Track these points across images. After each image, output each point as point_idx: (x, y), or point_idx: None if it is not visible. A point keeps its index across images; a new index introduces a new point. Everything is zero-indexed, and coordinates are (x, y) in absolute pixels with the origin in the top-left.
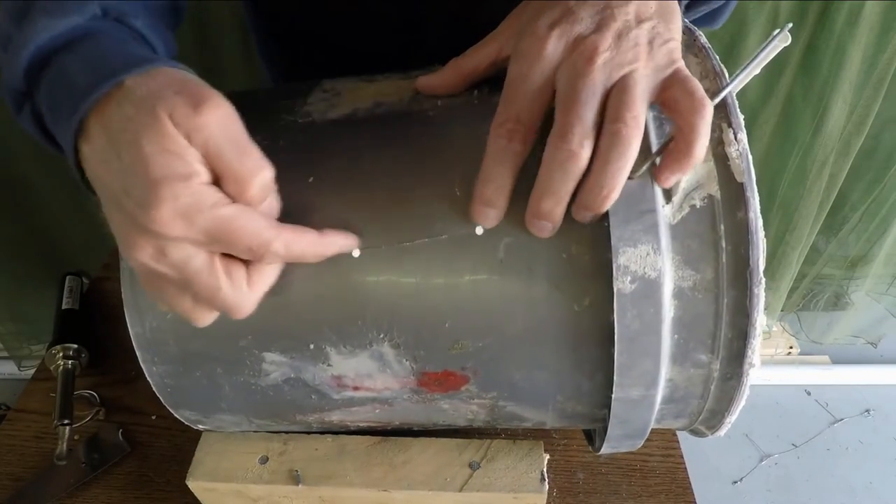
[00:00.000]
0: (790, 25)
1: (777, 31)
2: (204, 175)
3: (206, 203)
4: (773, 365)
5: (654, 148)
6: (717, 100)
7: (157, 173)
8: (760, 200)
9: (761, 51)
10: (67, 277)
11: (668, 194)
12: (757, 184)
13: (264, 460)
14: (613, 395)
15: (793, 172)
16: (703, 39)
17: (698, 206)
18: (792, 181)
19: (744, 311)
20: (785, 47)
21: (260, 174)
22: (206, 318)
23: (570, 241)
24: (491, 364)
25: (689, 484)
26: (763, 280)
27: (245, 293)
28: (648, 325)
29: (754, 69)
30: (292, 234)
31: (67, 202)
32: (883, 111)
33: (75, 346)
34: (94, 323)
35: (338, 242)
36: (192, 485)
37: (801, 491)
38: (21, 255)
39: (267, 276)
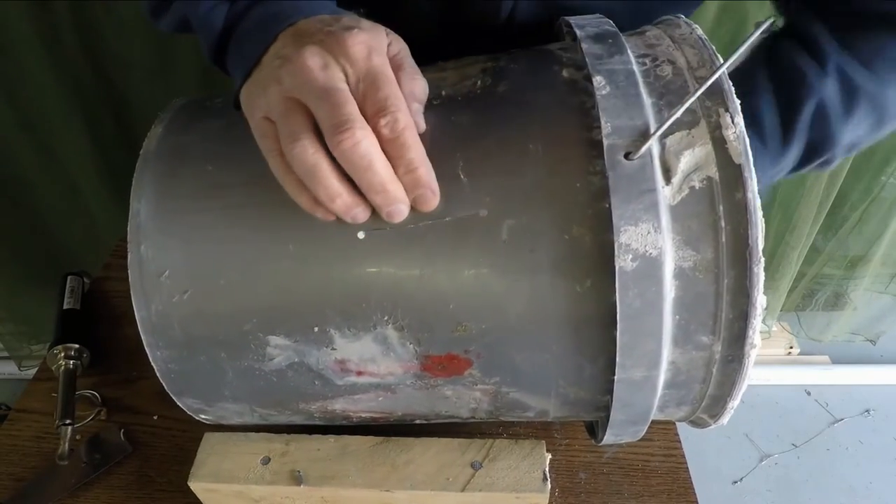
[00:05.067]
0: (772, 20)
1: (760, 22)
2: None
3: (384, 56)
4: (773, 365)
5: (653, 129)
6: (705, 86)
7: (370, 26)
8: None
9: (745, 42)
10: (69, 277)
11: (667, 175)
12: None
13: (266, 461)
14: (616, 377)
15: None
16: (700, 32)
17: (697, 188)
18: (792, 181)
19: (744, 291)
20: None
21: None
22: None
23: (572, 223)
24: (494, 347)
25: (691, 484)
26: (762, 259)
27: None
28: (650, 304)
29: (738, 60)
30: (414, 135)
31: (67, 202)
32: None
33: (77, 346)
34: (95, 323)
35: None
36: (194, 486)
37: (801, 491)
38: (21, 255)
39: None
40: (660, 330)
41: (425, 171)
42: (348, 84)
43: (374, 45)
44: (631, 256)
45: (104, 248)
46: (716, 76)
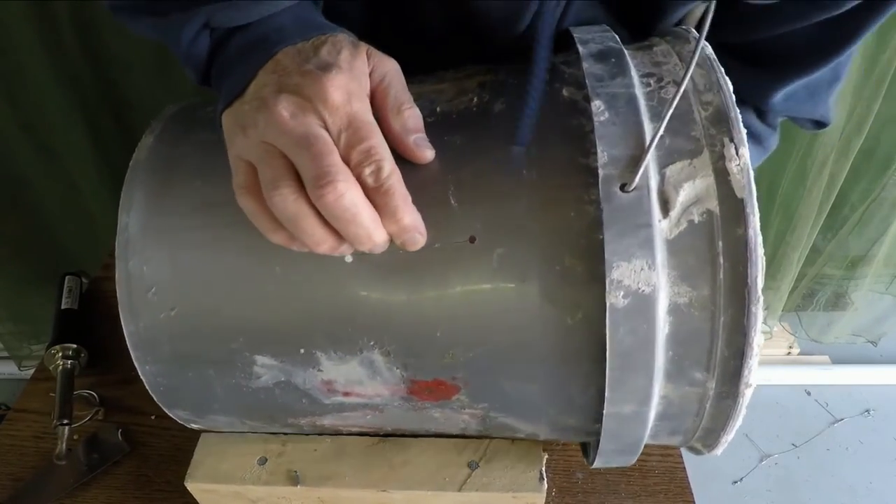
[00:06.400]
0: None
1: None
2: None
3: (365, 100)
4: (773, 365)
5: (645, 161)
6: (687, 75)
7: (350, 59)
8: (760, 200)
9: (704, 22)
10: (67, 277)
11: (665, 208)
12: (757, 184)
13: (263, 461)
14: (605, 411)
15: (793, 172)
16: (709, 50)
17: (696, 222)
18: (792, 181)
19: (741, 330)
20: None
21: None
22: (288, 200)
23: (564, 253)
24: (482, 375)
25: (688, 483)
26: (761, 299)
27: (344, 183)
28: (641, 341)
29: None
30: (399, 182)
31: (67, 202)
32: (883, 111)
33: (74, 346)
34: (93, 323)
35: (411, 227)
36: (191, 486)
37: (801, 491)
38: (21, 255)
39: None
40: (651, 366)
41: (411, 218)
42: (328, 131)
43: (353, 87)
44: (623, 293)
45: (103, 248)
46: (695, 57)
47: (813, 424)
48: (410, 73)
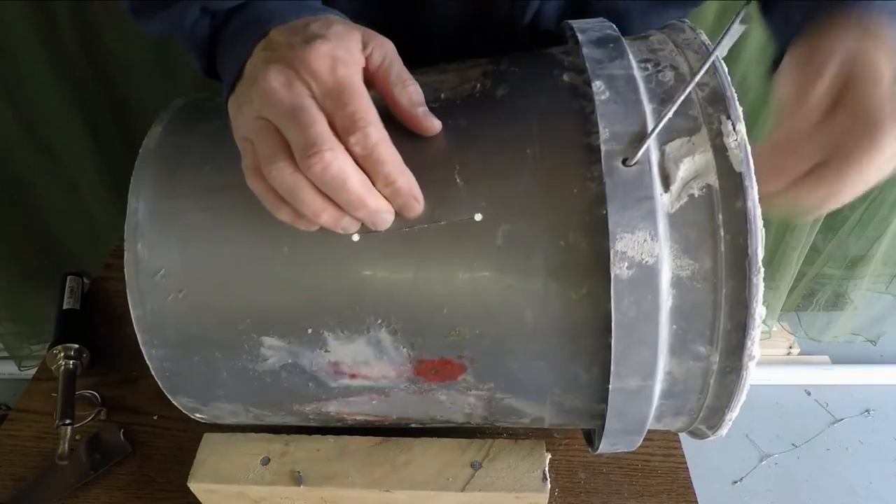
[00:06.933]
0: (748, 7)
1: (739, 11)
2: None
3: (351, 67)
4: (773, 365)
5: (651, 135)
6: (699, 76)
7: (341, 33)
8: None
9: (727, 30)
10: (68, 277)
11: (666, 183)
12: None
13: (266, 461)
14: (611, 386)
15: None
16: (703, 37)
17: (696, 196)
18: None
19: (742, 302)
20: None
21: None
22: (283, 169)
23: (569, 229)
24: (488, 353)
25: (691, 484)
26: (762, 270)
27: (329, 145)
28: (646, 313)
29: (721, 51)
30: (387, 147)
31: (67, 202)
32: None
33: (76, 346)
34: (95, 323)
35: (405, 193)
36: (194, 486)
37: (801, 491)
38: (21, 255)
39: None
40: (655, 339)
41: (405, 182)
42: (315, 100)
43: (339, 55)
44: (627, 264)
45: (104, 248)
46: (708, 64)
47: (813, 424)
48: (413, 69)
